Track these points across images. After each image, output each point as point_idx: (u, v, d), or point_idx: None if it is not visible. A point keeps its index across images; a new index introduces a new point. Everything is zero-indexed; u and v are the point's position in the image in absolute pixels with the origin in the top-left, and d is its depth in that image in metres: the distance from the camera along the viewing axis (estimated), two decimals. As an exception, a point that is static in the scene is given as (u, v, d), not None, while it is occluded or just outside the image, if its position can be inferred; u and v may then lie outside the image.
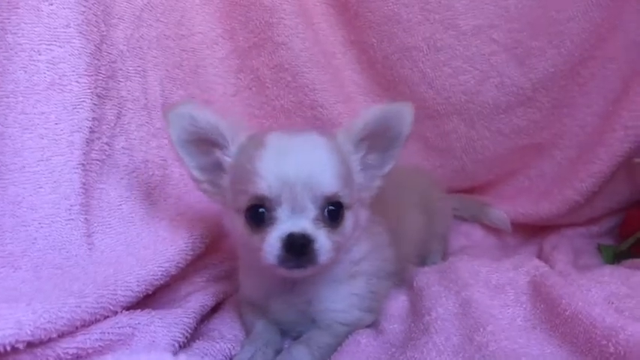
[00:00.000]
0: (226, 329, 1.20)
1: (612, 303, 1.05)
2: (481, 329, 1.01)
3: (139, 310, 1.04)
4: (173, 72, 1.60)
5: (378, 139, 1.10)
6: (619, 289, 1.11)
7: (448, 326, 1.06)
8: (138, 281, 1.06)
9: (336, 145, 1.06)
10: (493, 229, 1.76)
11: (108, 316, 0.98)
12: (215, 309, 1.27)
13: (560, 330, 1.00)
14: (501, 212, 1.70)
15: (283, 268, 0.99)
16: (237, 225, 1.05)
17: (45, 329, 0.81)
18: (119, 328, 0.96)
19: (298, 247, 0.97)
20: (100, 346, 0.92)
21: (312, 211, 0.99)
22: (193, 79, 1.67)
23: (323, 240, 0.98)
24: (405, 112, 1.09)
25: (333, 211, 1.02)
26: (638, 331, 0.86)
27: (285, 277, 1.07)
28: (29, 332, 0.79)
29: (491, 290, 1.16)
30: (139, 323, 1.00)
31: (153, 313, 1.05)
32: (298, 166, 0.99)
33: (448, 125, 1.71)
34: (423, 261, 1.46)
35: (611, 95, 1.62)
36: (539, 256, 1.47)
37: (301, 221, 0.98)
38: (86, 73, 1.23)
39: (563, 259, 1.35)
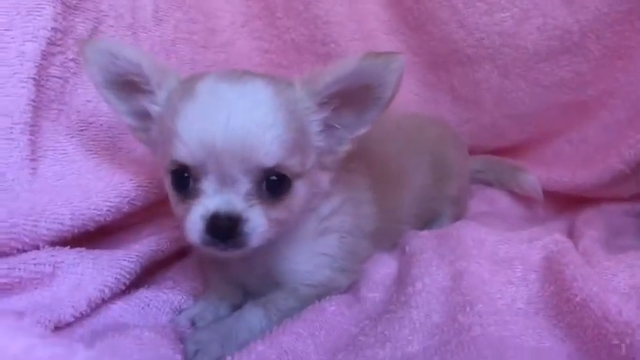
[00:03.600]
0: (183, 279, 1.06)
1: (641, 293, 0.84)
2: (467, 308, 0.83)
3: (68, 247, 0.90)
4: (171, -9, 1.43)
5: (353, 97, 0.87)
6: (653, 278, 0.89)
7: (432, 301, 0.89)
8: (72, 214, 0.92)
9: (286, 101, 0.84)
10: (522, 198, 1.52)
11: (25, 250, 0.84)
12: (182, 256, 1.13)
13: (566, 320, 0.81)
14: (533, 177, 1.46)
15: (207, 248, 0.83)
16: (166, 185, 0.88)
17: None
18: (35, 265, 0.83)
19: (223, 230, 0.80)
20: (5, 282, 0.78)
21: (244, 185, 0.81)
22: (196, 1, 1.49)
23: (257, 220, 0.81)
24: (392, 68, 0.85)
25: (274, 184, 0.83)
26: (662, 334, 0.66)
27: None
28: None
29: (495, 264, 0.97)
30: (62, 262, 0.87)
31: (84, 252, 0.91)
32: (229, 128, 0.78)
33: (479, 73, 1.48)
34: (427, 225, 1.26)
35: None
36: (570, 233, 1.25)
37: (229, 197, 0.80)
38: (50, -24, 1.07)
39: (593, 236, 1.12)
